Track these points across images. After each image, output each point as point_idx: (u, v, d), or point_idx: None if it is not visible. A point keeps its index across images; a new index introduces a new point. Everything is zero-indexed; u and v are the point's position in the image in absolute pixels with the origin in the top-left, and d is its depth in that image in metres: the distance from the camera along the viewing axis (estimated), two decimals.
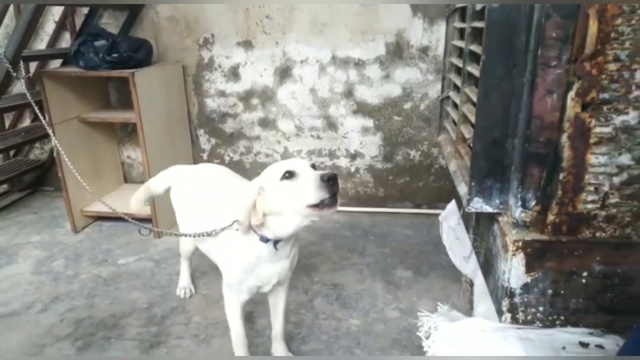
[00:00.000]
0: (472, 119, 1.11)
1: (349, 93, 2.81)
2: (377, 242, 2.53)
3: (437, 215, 2.76)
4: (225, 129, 3.03)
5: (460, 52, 1.34)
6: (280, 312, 1.61)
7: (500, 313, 0.99)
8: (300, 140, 2.96)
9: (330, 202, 1.22)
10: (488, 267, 1.09)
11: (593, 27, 0.77)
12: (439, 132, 1.62)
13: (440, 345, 0.98)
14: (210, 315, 1.90)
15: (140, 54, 2.46)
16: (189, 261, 2.05)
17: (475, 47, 1.11)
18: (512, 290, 0.95)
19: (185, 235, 1.58)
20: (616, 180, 0.86)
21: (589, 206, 0.88)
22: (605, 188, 0.87)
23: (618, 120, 0.83)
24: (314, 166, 1.31)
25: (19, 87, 3.04)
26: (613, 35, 0.78)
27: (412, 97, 2.75)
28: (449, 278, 2.10)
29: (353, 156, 2.93)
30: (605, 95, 0.82)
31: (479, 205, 0.97)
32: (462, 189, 1.07)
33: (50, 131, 2.05)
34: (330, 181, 1.20)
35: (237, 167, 3.06)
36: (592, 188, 0.87)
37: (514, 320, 0.97)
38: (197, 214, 1.63)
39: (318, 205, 1.22)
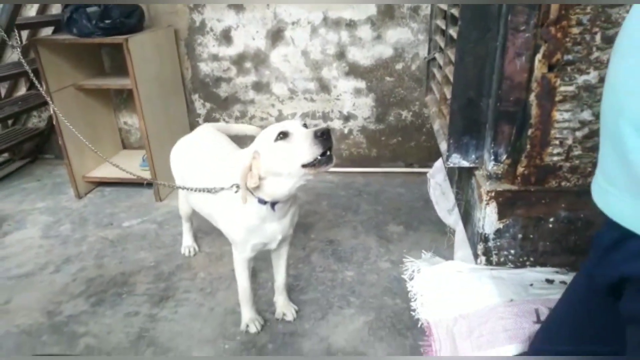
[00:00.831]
0: (452, 76, 1.19)
1: (341, 55, 2.84)
2: (370, 200, 2.64)
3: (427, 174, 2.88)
4: (220, 93, 3.07)
5: (445, 14, 1.39)
6: (282, 266, 1.72)
7: (476, 256, 1.10)
8: (294, 103, 3.02)
9: (325, 160, 1.24)
10: (467, 216, 1.20)
11: None
12: (426, 93, 1.69)
13: (422, 286, 1.10)
14: (214, 270, 2.03)
15: (132, 20, 2.48)
16: (190, 222, 2.16)
17: (456, 11, 1.17)
18: (486, 235, 1.06)
19: (187, 189, 1.64)
20: (579, 134, 0.95)
21: (555, 158, 0.97)
22: (569, 142, 0.96)
23: (580, 79, 0.91)
24: (305, 126, 1.34)
25: (12, 56, 3.05)
26: (575, 4, 0.85)
27: (403, 58, 2.79)
28: (437, 232, 2.22)
29: (346, 118, 2.99)
30: (569, 57, 0.90)
31: (457, 160, 1.06)
32: (443, 146, 1.16)
33: (48, 99, 2.09)
34: (323, 136, 1.21)
35: None
36: (557, 142, 0.96)
37: (488, 262, 1.09)
38: (197, 178, 1.71)
39: (313, 164, 1.25)
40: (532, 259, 1.08)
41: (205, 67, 3.01)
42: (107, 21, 2.37)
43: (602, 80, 0.90)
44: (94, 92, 2.84)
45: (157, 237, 2.32)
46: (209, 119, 3.14)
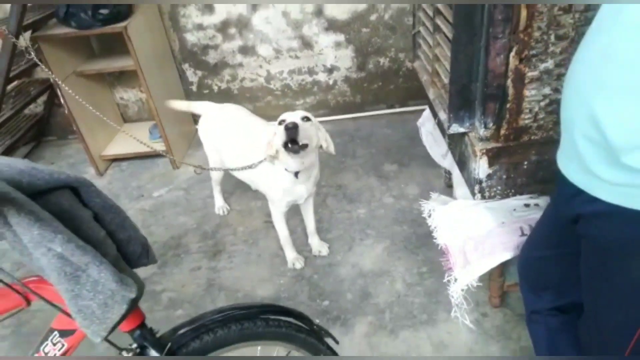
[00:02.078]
0: (443, 60, 1.55)
1: (319, 12, 3.07)
2: (363, 144, 3.02)
3: (409, 112, 3.28)
4: (209, 60, 3.27)
5: None
6: (310, 215, 2.14)
7: (473, 194, 1.53)
8: (280, 62, 3.26)
9: (291, 148, 1.63)
10: (463, 164, 1.61)
11: (523, 11, 1.19)
12: (413, 60, 2.03)
13: (438, 220, 1.53)
14: (250, 224, 2.42)
15: (124, 6, 2.62)
16: (220, 185, 2.51)
17: (441, 6, 1.51)
18: (480, 179, 1.48)
19: (230, 170, 2.01)
20: (542, 104, 1.34)
21: (526, 122, 1.37)
22: (536, 109, 1.35)
23: (542, 66, 1.28)
24: (306, 118, 1.73)
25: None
26: (536, 14, 1.20)
27: (376, 9, 3.05)
28: (426, 166, 2.66)
29: (330, 70, 3.28)
30: (533, 52, 1.26)
31: (455, 128, 1.46)
32: (442, 115, 1.54)
33: (63, 87, 2.28)
34: (288, 130, 1.61)
35: (226, 94, 3.37)
36: (527, 110, 1.35)
37: (483, 197, 1.52)
38: (232, 149, 2.08)
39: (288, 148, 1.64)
40: (513, 191, 1.52)
41: (191, 37, 3.18)
42: (103, 11, 2.52)
43: (556, 66, 1.28)
44: (91, 75, 3.00)
45: (188, 203, 2.66)
46: (201, 85, 3.36)
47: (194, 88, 3.38)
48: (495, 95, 1.35)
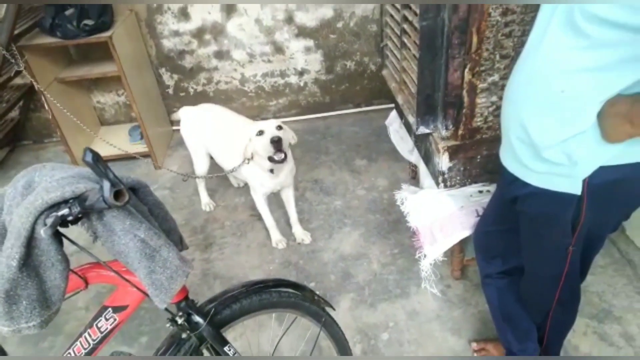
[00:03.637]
0: (410, 72, 1.83)
1: (289, 19, 3.30)
2: (334, 141, 3.29)
3: (374, 111, 3.58)
4: (185, 65, 3.44)
5: (393, 19, 1.99)
6: (291, 204, 2.41)
7: (437, 184, 1.83)
8: (253, 65, 3.47)
9: (277, 158, 1.95)
10: (427, 159, 1.91)
11: (474, 37, 1.48)
12: (382, 69, 2.31)
13: (411, 208, 1.83)
14: (236, 218, 2.65)
15: (108, 16, 2.76)
16: (204, 182, 2.71)
17: (407, 25, 1.79)
18: (443, 171, 1.78)
19: (215, 176, 2.28)
20: (490, 109, 1.65)
21: (478, 124, 1.68)
22: (486, 114, 1.66)
23: (490, 79, 1.59)
24: (280, 127, 2.03)
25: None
26: (484, 38, 1.50)
27: (342, 17, 3.31)
28: (392, 160, 2.96)
29: (301, 73, 3.52)
30: (483, 68, 1.56)
31: (422, 130, 1.75)
32: (411, 118, 1.83)
33: (46, 96, 2.44)
34: (274, 142, 1.91)
35: (202, 96, 3.55)
36: (479, 114, 1.66)
37: (445, 186, 1.82)
38: (218, 143, 2.34)
39: (272, 159, 1.96)
40: (469, 180, 1.83)
41: (167, 43, 3.34)
42: (87, 22, 2.65)
43: (501, 78, 1.59)
44: (71, 81, 3.11)
45: (174, 201, 2.85)
46: (178, 88, 3.52)
47: (171, 91, 3.53)
48: (453, 102, 1.64)
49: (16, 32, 2.66)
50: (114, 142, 3.05)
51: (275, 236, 2.39)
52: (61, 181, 0.82)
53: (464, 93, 1.62)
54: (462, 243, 1.89)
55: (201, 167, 2.56)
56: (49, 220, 0.78)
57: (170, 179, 3.04)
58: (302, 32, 3.34)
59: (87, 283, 1.15)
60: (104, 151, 3.23)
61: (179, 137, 3.42)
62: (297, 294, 1.36)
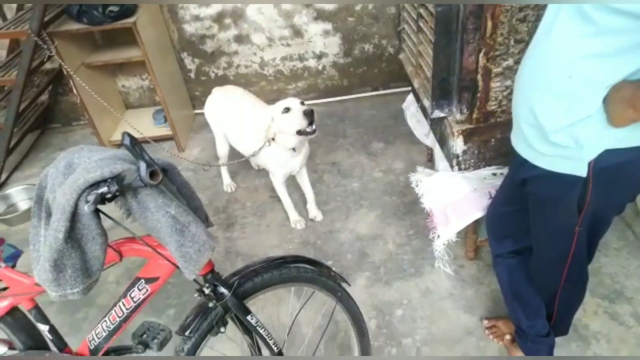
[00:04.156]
0: (426, 57, 1.87)
1: (308, 3, 3.33)
2: (352, 124, 3.34)
3: (391, 94, 3.60)
4: (206, 49, 3.51)
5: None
6: (306, 184, 2.50)
7: (452, 167, 1.87)
8: (272, 49, 3.52)
9: (310, 130, 2.02)
10: (442, 142, 1.96)
11: (489, 22, 1.51)
12: (399, 52, 2.34)
13: (426, 189, 1.88)
14: (257, 199, 2.74)
15: (132, 3, 2.84)
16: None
17: (423, 11, 1.82)
18: (458, 154, 1.82)
19: (234, 163, 2.35)
20: (505, 93, 1.68)
21: (493, 107, 1.71)
22: (500, 98, 1.69)
23: (504, 64, 1.61)
24: (303, 103, 2.09)
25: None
26: (499, 23, 1.52)
27: None
28: (409, 143, 3.00)
29: (319, 56, 3.56)
30: (497, 52, 1.59)
31: (437, 113, 1.79)
32: (426, 102, 1.87)
33: (77, 79, 2.55)
34: (309, 113, 1.99)
35: (223, 80, 3.62)
36: (494, 98, 1.69)
37: (460, 169, 1.86)
38: (237, 127, 2.42)
39: (303, 132, 2.05)
40: (483, 163, 1.87)
41: (189, 28, 3.41)
42: (113, 8, 2.73)
43: (515, 63, 1.61)
44: (98, 65, 3.22)
45: (198, 182, 2.95)
46: (199, 72, 3.60)
47: (192, 75, 3.62)
48: (468, 87, 1.68)
49: (45, 19, 2.76)
50: (139, 124, 3.17)
51: (294, 216, 2.48)
52: (100, 162, 0.91)
53: (479, 77, 1.65)
54: (476, 224, 1.94)
55: (222, 149, 2.65)
56: (91, 197, 0.87)
57: (192, 162, 3.14)
58: (321, 15, 3.37)
59: (121, 256, 1.25)
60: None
61: (201, 120, 3.53)
62: (315, 269, 1.44)
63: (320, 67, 3.61)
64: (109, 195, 0.90)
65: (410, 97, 2.52)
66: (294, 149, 2.18)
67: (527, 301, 1.58)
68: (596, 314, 1.90)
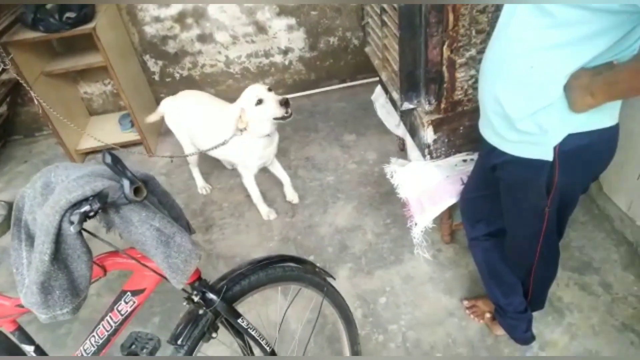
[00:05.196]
0: (392, 50, 1.90)
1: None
2: (322, 118, 3.36)
3: (359, 85, 3.64)
4: (169, 50, 3.45)
5: None
6: (280, 171, 2.55)
7: (424, 156, 1.93)
8: (237, 47, 3.50)
9: (287, 114, 2.09)
10: (413, 132, 2.01)
11: (451, 15, 1.56)
12: (365, 45, 2.37)
13: (400, 180, 1.93)
14: (233, 199, 2.74)
15: (89, 7, 2.76)
16: (198, 167, 2.79)
17: (386, 5, 1.85)
18: (429, 144, 1.88)
19: (203, 152, 2.32)
20: (470, 82, 1.74)
21: (459, 97, 1.77)
22: (465, 87, 1.74)
23: (467, 54, 1.67)
24: (270, 89, 2.13)
25: None
26: (460, 16, 1.57)
27: None
28: (380, 133, 3.04)
29: (285, 52, 3.55)
30: (460, 44, 1.63)
31: (406, 105, 1.84)
32: (395, 95, 1.91)
33: (33, 95, 2.48)
34: (284, 104, 2.06)
35: (188, 81, 3.58)
36: (460, 88, 1.74)
37: (431, 157, 1.92)
38: (201, 131, 2.40)
39: (279, 118, 2.11)
40: (454, 150, 1.93)
41: (150, 29, 3.34)
42: (70, 15, 2.65)
43: (478, 52, 1.66)
44: (58, 74, 3.12)
45: (171, 186, 2.92)
46: (164, 73, 3.54)
47: (157, 77, 3.56)
48: (434, 78, 1.73)
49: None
50: (105, 131, 3.13)
51: (264, 209, 2.53)
52: (79, 180, 0.90)
53: (444, 69, 1.70)
54: (450, 210, 2.00)
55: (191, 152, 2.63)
56: (74, 218, 0.87)
57: (164, 165, 3.11)
58: (284, 10, 3.36)
59: (105, 271, 1.24)
60: (95, 141, 3.31)
61: None
62: (299, 267, 1.46)
63: (286, 62, 3.60)
64: (91, 214, 0.90)
65: (379, 89, 2.56)
66: (268, 135, 2.21)
67: (504, 280, 1.66)
68: (567, 286, 2.00)
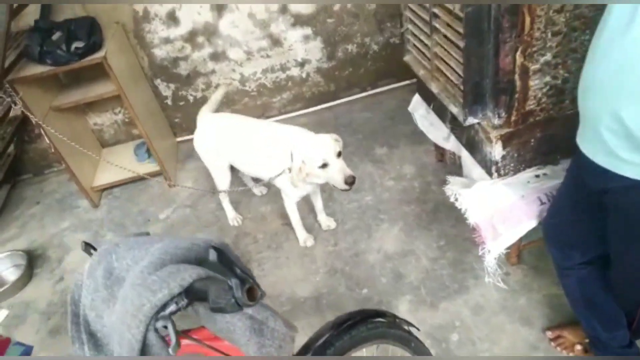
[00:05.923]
0: (445, 58, 1.72)
1: (283, 9, 3.13)
2: (348, 131, 3.17)
3: (381, 93, 3.45)
4: (181, 72, 3.26)
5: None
6: (318, 198, 2.39)
7: (490, 174, 1.74)
8: (252, 63, 3.31)
9: (347, 190, 1.94)
10: (473, 147, 1.82)
11: (527, 18, 1.37)
12: (404, 54, 2.18)
13: (467, 203, 1.74)
14: (267, 229, 2.54)
15: (97, 35, 2.57)
16: (228, 196, 2.59)
17: (438, 10, 1.67)
18: (497, 160, 1.69)
19: (248, 188, 2.16)
20: (544, 90, 1.55)
21: (531, 107, 1.58)
22: (539, 95, 1.56)
23: (542, 60, 1.48)
24: (339, 154, 1.97)
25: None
26: (536, 18, 1.39)
27: None
28: (413, 144, 2.86)
29: (301, 64, 3.37)
30: (534, 48, 1.45)
31: (471, 120, 1.65)
32: (454, 109, 1.72)
33: (45, 129, 2.30)
34: (349, 183, 1.90)
35: (202, 103, 3.35)
36: (532, 97, 1.56)
37: (499, 175, 1.73)
38: (246, 154, 2.24)
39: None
40: (523, 165, 1.74)
41: (159, 52, 3.15)
42: (78, 44, 2.47)
43: (554, 57, 1.48)
44: (67, 107, 2.93)
45: (198, 219, 2.72)
46: (176, 97, 3.35)
47: (169, 102, 3.37)
48: (505, 89, 1.54)
49: (6, 66, 2.47)
50: (120, 163, 2.91)
51: (302, 235, 2.37)
52: (159, 273, 0.71)
53: (516, 77, 1.51)
54: None
55: (224, 180, 2.44)
56: (160, 324, 0.68)
57: (188, 196, 2.91)
58: (299, 20, 3.18)
59: None
60: (112, 176, 3.12)
61: (185, 148, 3.29)
62: (383, 321, 1.27)
63: (304, 75, 3.42)
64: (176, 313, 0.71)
65: (417, 99, 2.37)
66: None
67: (604, 312, 1.47)
68: None
